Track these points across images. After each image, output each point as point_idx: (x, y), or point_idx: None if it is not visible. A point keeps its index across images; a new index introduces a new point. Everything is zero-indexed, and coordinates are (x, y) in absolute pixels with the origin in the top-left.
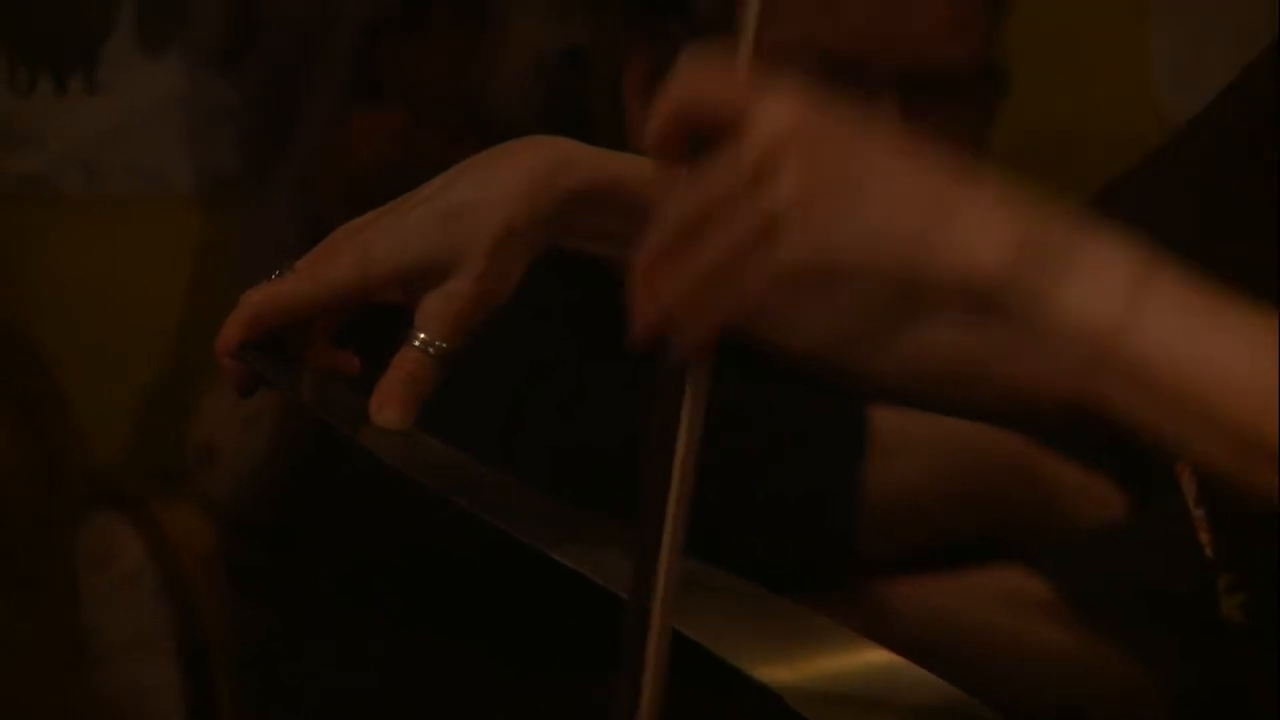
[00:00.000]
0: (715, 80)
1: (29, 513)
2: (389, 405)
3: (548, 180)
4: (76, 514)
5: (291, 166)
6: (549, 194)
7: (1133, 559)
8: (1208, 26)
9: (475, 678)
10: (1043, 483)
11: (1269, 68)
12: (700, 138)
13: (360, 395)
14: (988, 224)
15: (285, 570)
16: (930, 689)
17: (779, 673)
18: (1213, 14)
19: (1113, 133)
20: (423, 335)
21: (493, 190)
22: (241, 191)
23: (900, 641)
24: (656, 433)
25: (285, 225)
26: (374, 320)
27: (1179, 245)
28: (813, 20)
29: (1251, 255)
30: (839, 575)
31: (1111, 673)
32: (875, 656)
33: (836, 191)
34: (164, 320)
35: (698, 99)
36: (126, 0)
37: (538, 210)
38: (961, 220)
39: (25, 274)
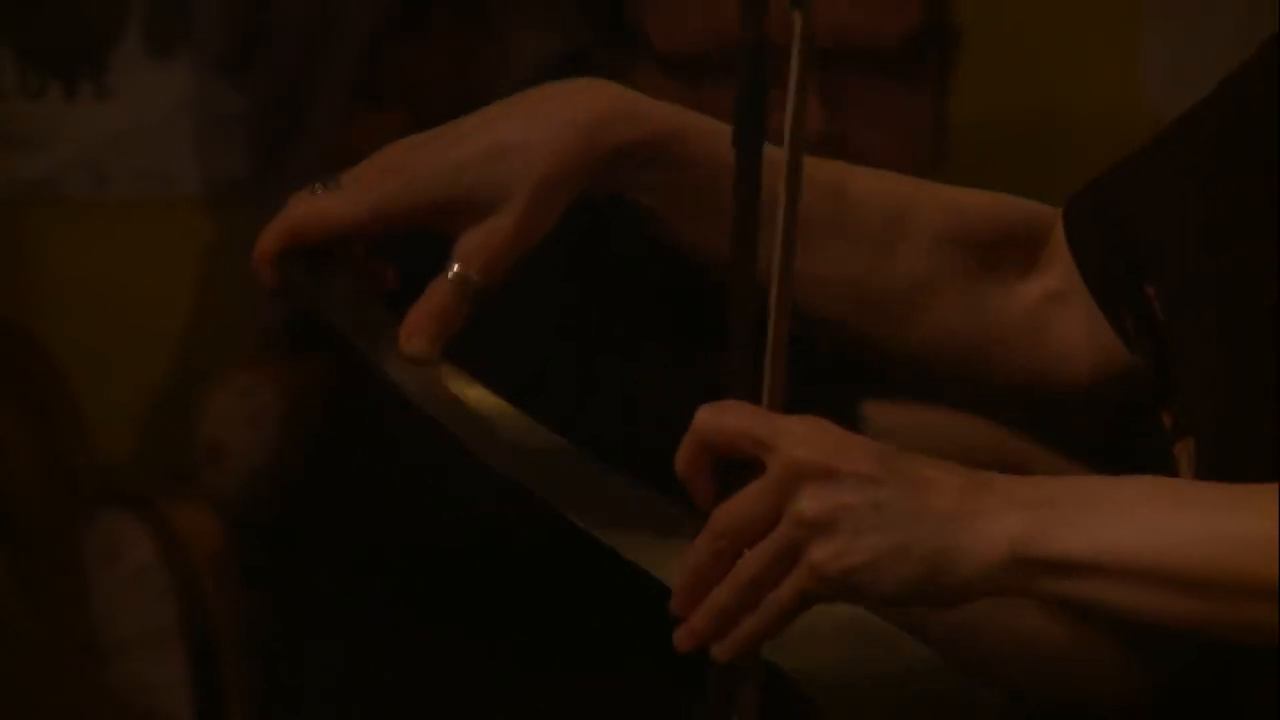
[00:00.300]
0: (739, 412)
1: (39, 511)
2: (418, 335)
3: (600, 130)
4: (85, 512)
5: (297, 169)
6: (599, 144)
7: None
8: (1199, 28)
9: (478, 673)
10: (1028, 473)
11: (1260, 67)
12: (727, 465)
13: (394, 321)
14: (997, 520)
15: (291, 567)
16: (944, 679)
17: (791, 659)
18: (1204, 16)
19: (1103, 132)
20: (457, 267)
21: (543, 132)
22: (248, 194)
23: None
24: None
25: None
26: (413, 244)
27: (1175, 237)
28: (710, 9)
29: (1249, 252)
30: None
31: (1100, 660)
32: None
33: (857, 511)
34: (171, 321)
35: (723, 429)
36: (135, 7)
37: (585, 159)
38: (973, 526)
39: (35, 276)
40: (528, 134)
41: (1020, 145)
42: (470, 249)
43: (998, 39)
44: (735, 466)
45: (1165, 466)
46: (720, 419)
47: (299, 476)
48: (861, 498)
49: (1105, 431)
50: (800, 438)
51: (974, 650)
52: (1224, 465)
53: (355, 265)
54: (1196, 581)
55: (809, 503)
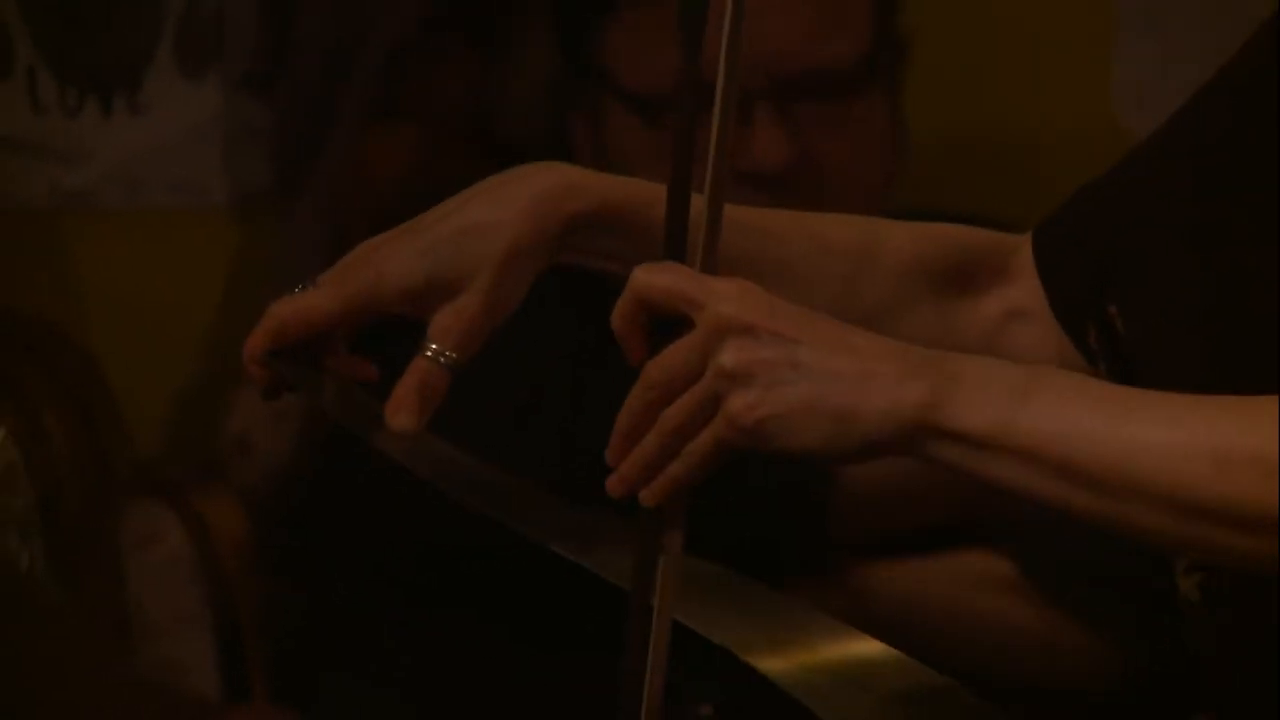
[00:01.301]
0: (669, 273)
1: (79, 500)
2: (403, 411)
3: (554, 203)
4: (121, 502)
5: (318, 180)
6: (554, 216)
7: (1092, 542)
8: (1168, 47)
9: (496, 658)
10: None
11: (1225, 85)
12: (660, 323)
13: (377, 401)
14: (901, 386)
15: (312, 553)
16: (917, 675)
17: (775, 662)
18: (1173, 35)
19: (1074, 149)
20: (434, 346)
21: (502, 212)
22: (273, 204)
23: (877, 619)
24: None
25: (313, 234)
26: (390, 332)
27: (1142, 257)
28: (672, 48)
29: (1221, 268)
30: (819, 560)
31: (1073, 646)
32: (866, 647)
33: (774, 366)
34: (201, 323)
35: (657, 287)
36: (167, 28)
37: (543, 231)
38: (879, 389)
39: (74, 281)
40: (487, 216)
41: (993, 162)
42: (443, 328)
43: (971, 58)
44: (668, 325)
45: None
46: (655, 277)
47: (318, 469)
48: (779, 354)
49: None
50: (727, 296)
51: (949, 634)
52: None
53: (338, 361)
54: (1085, 475)
55: (729, 356)
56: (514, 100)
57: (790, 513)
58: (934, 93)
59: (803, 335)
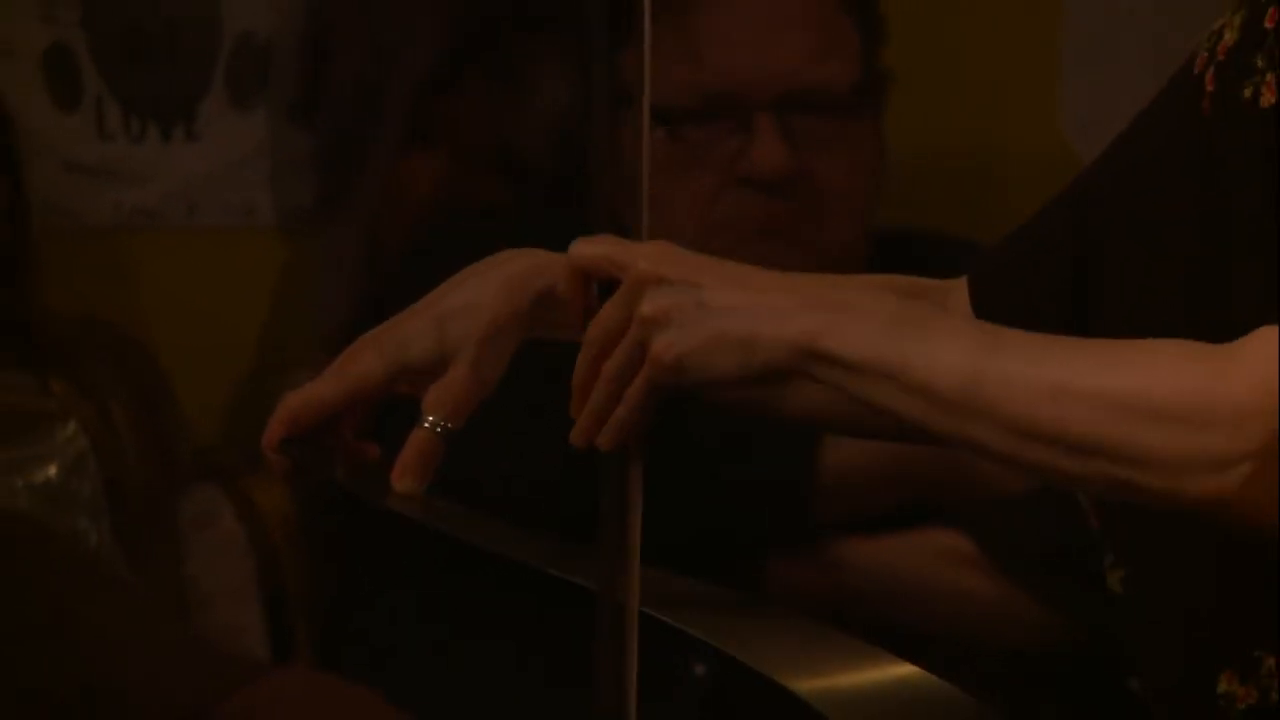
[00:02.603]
0: (600, 243)
1: (143, 485)
2: (407, 476)
3: (523, 283)
4: (181, 486)
5: (356, 201)
6: (525, 294)
7: (1043, 523)
8: (1113, 73)
9: (532, 632)
10: (967, 459)
11: (1157, 114)
12: (601, 288)
13: (383, 471)
14: (796, 317)
15: (352, 533)
16: (945, 696)
17: (804, 682)
18: (1118, 61)
19: (1024, 169)
20: (430, 418)
21: (479, 295)
22: (315, 222)
23: (851, 589)
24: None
25: (350, 249)
26: (392, 413)
27: (1071, 288)
28: (687, 66)
29: (1156, 289)
30: (801, 536)
31: (1026, 613)
32: (899, 670)
33: (684, 309)
34: (251, 328)
35: (590, 256)
36: (219, 63)
37: (516, 308)
38: (776, 319)
39: (138, 290)
40: (466, 300)
41: (950, 182)
42: (436, 400)
43: (929, 86)
44: (605, 289)
45: None
46: (589, 247)
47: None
48: (688, 298)
49: None
50: (645, 255)
51: (915, 603)
52: None
53: (345, 444)
54: (941, 399)
55: (647, 305)
56: (533, 126)
57: (778, 500)
58: (896, 118)
59: (708, 280)
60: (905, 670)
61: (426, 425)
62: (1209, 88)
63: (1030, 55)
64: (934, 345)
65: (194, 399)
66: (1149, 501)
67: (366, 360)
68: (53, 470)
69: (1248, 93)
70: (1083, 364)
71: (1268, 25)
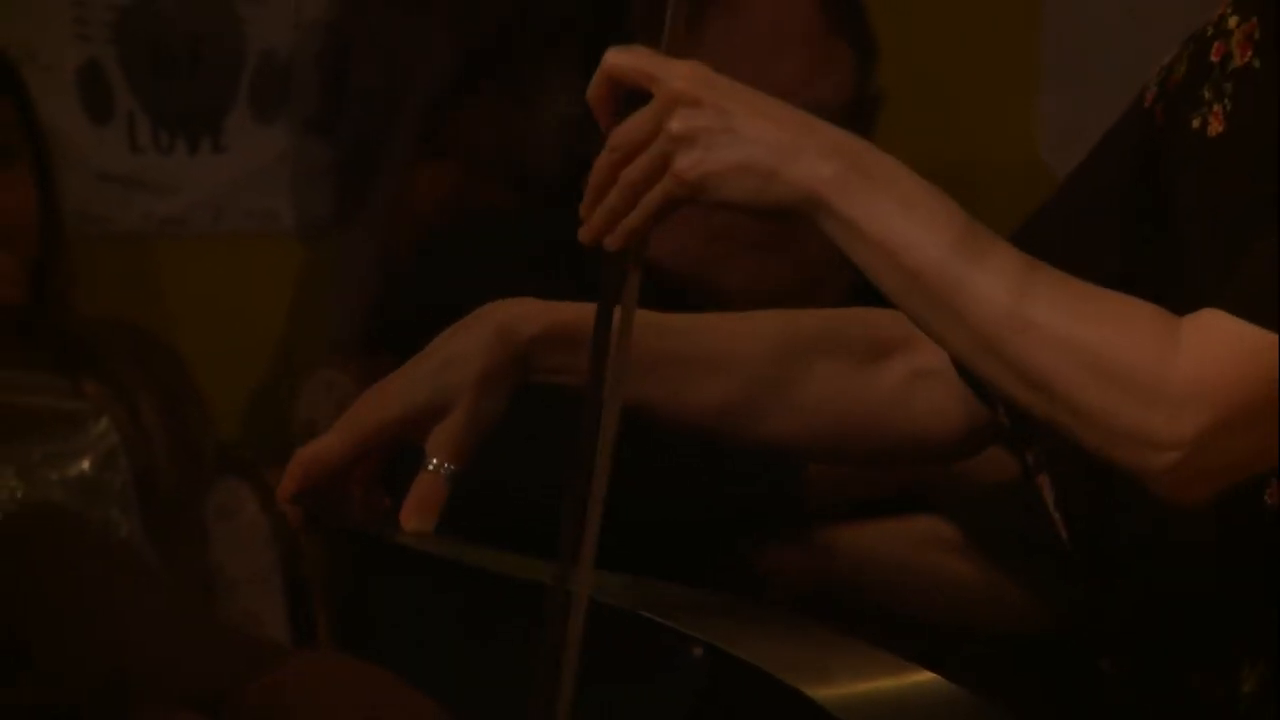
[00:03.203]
0: (635, 54)
1: (171, 478)
2: (415, 517)
3: (512, 330)
4: (207, 479)
5: (372, 209)
6: (514, 340)
7: (1020, 511)
8: (1089, 91)
9: (544, 619)
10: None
11: (1117, 144)
12: (627, 97)
13: (393, 513)
14: (816, 162)
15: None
16: (963, 703)
17: (827, 690)
18: (1094, 81)
19: (1002, 184)
20: (434, 461)
21: (471, 345)
22: (333, 228)
23: (840, 574)
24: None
25: (367, 254)
26: (400, 463)
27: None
28: None
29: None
30: (794, 524)
31: (1005, 596)
32: (915, 676)
33: (713, 132)
34: (272, 329)
35: (624, 64)
36: (243, 80)
37: (506, 354)
38: (798, 159)
39: (166, 294)
40: (461, 347)
41: None
42: (438, 444)
43: (908, 102)
44: (633, 99)
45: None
46: (623, 56)
47: None
48: (719, 122)
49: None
50: (679, 74)
51: (900, 586)
52: (1074, 494)
53: (357, 495)
54: (924, 289)
55: (678, 123)
56: (541, 138)
57: (770, 485)
58: (882, 135)
59: (739, 107)
60: (923, 677)
61: (430, 468)
62: (1159, 120)
63: (1009, 77)
64: (931, 236)
65: (218, 396)
66: (1083, 447)
67: (372, 411)
68: (85, 464)
69: (1196, 123)
70: (1061, 303)
71: (1213, 59)
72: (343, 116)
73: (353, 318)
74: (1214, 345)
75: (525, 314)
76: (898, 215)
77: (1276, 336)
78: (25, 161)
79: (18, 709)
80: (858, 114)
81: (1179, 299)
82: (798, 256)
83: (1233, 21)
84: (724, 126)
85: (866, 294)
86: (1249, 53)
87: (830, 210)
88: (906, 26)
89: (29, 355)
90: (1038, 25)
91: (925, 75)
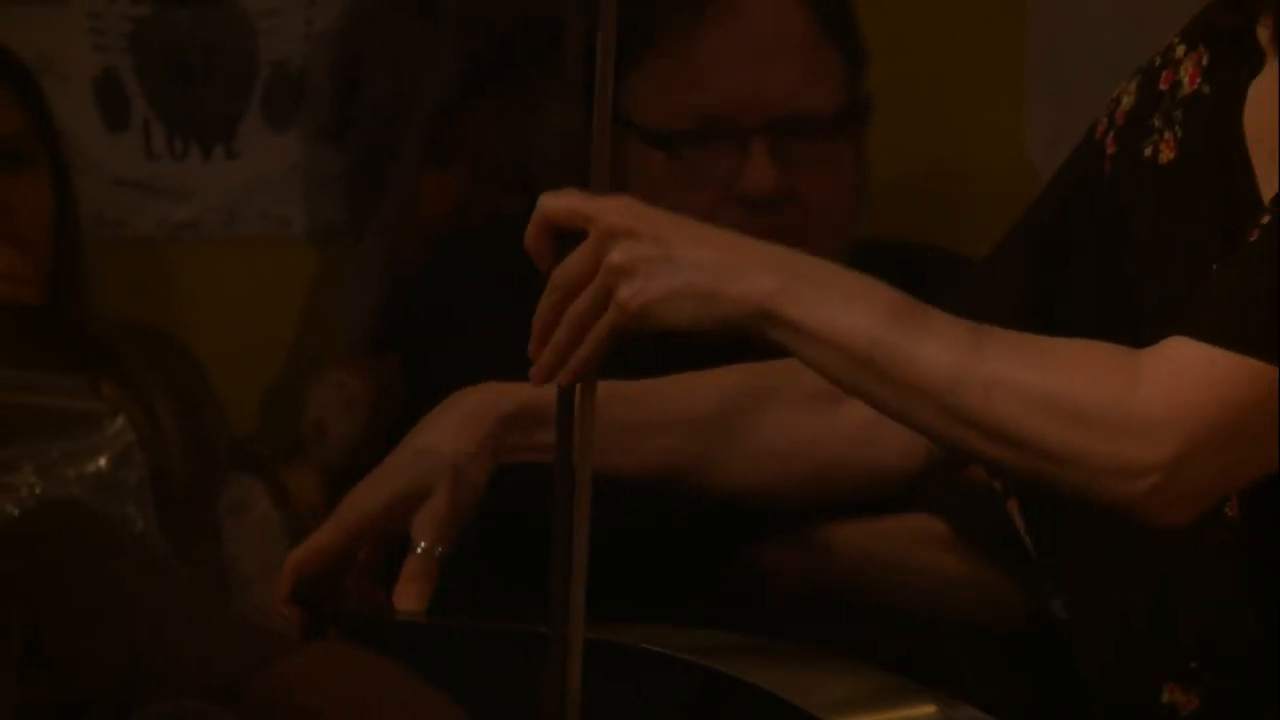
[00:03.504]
0: (568, 196)
1: (186, 474)
2: (406, 598)
3: (483, 412)
4: (221, 475)
5: (381, 215)
6: (485, 422)
7: (1006, 514)
8: (1077, 95)
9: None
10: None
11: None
12: (564, 238)
13: (387, 595)
14: (759, 278)
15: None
16: None
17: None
18: (1081, 85)
19: (991, 187)
20: (421, 544)
21: (442, 432)
22: (344, 234)
23: (836, 571)
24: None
25: (376, 258)
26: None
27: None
28: (686, 92)
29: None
30: (794, 522)
31: (993, 590)
32: (945, 707)
33: (652, 261)
34: (285, 330)
35: (559, 208)
36: (256, 88)
37: (479, 435)
38: (741, 278)
39: (181, 296)
40: (435, 435)
41: (920, 198)
42: (422, 527)
43: (899, 106)
44: (568, 241)
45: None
46: (557, 200)
47: (383, 447)
48: (656, 251)
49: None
50: (614, 209)
51: (897, 583)
52: (1042, 519)
53: (354, 590)
54: (882, 374)
55: (617, 255)
56: (545, 146)
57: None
58: (875, 140)
59: (675, 235)
60: (964, 713)
61: (418, 551)
62: (1109, 150)
63: (997, 82)
64: (873, 320)
65: (231, 396)
66: (1063, 495)
67: (355, 504)
68: (103, 461)
69: (1147, 151)
70: (1013, 356)
71: (1162, 87)
72: (353, 124)
73: (363, 320)
74: (1184, 372)
75: (497, 395)
76: (841, 310)
77: (1244, 358)
78: (43, 167)
79: (34, 703)
80: (848, 119)
81: (1131, 332)
82: (796, 224)
83: (1180, 50)
84: (663, 255)
85: None
86: (1198, 79)
87: (779, 319)
88: (895, 29)
89: (47, 356)
90: (1026, 28)
91: (914, 78)
